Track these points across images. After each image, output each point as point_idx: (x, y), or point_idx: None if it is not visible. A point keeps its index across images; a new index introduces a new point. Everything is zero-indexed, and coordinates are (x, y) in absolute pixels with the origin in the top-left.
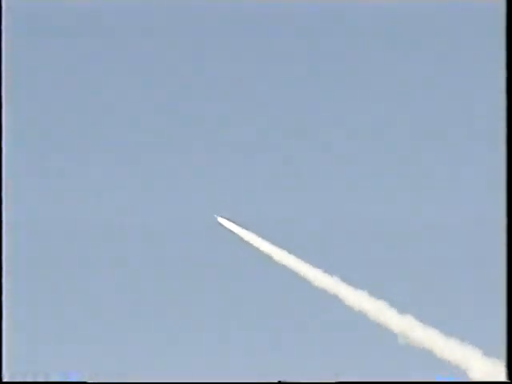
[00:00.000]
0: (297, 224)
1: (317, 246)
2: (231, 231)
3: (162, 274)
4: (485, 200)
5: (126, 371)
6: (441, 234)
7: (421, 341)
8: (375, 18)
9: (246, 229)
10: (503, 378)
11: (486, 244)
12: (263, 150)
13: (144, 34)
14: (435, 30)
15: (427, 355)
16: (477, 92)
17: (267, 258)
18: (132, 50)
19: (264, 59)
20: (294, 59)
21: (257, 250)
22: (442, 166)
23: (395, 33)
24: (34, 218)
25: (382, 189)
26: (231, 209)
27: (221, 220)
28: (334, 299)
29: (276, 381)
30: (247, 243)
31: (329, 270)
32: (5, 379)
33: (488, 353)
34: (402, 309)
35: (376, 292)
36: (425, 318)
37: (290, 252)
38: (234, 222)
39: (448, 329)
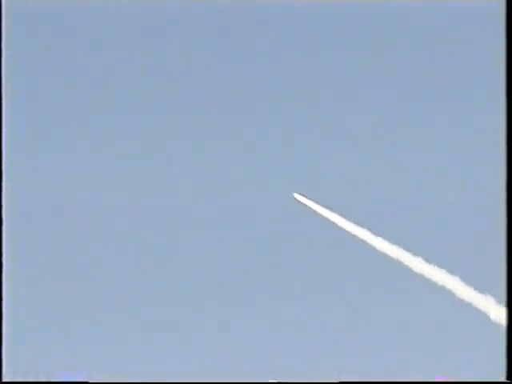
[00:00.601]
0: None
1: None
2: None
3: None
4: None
5: (127, 371)
6: None
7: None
8: (374, 17)
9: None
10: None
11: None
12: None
13: (144, 34)
14: (434, 30)
15: None
16: (476, 92)
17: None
18: (132, 49)
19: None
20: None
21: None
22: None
23: (394, 32)
24: (41, 210)
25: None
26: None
27: (298, 196)
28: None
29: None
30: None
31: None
32: (5, 379)
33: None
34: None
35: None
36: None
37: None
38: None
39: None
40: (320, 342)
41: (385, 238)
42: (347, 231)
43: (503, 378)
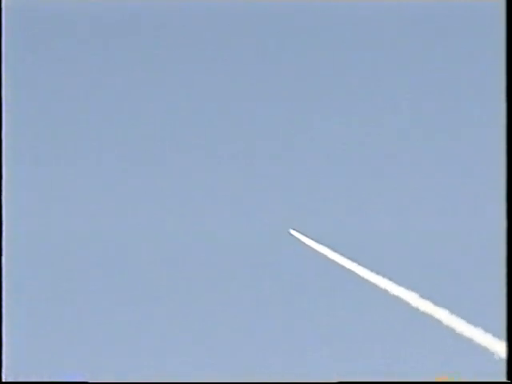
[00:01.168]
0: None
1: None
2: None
3: (164, 274)
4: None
5: (127, 371)
6: None
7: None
8: (373, 17)
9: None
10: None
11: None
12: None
13: (144, 34)
14: (434, 30)
15: None
16: (476, 92)
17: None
18: (133, 49)
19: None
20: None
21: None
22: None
23: (393, 32)
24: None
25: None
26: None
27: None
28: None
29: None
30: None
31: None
32: (5, 379)
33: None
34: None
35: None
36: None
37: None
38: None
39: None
40: (320, 342)
41: (375, 270)
42: (339, 263)
43: (503, 378)
